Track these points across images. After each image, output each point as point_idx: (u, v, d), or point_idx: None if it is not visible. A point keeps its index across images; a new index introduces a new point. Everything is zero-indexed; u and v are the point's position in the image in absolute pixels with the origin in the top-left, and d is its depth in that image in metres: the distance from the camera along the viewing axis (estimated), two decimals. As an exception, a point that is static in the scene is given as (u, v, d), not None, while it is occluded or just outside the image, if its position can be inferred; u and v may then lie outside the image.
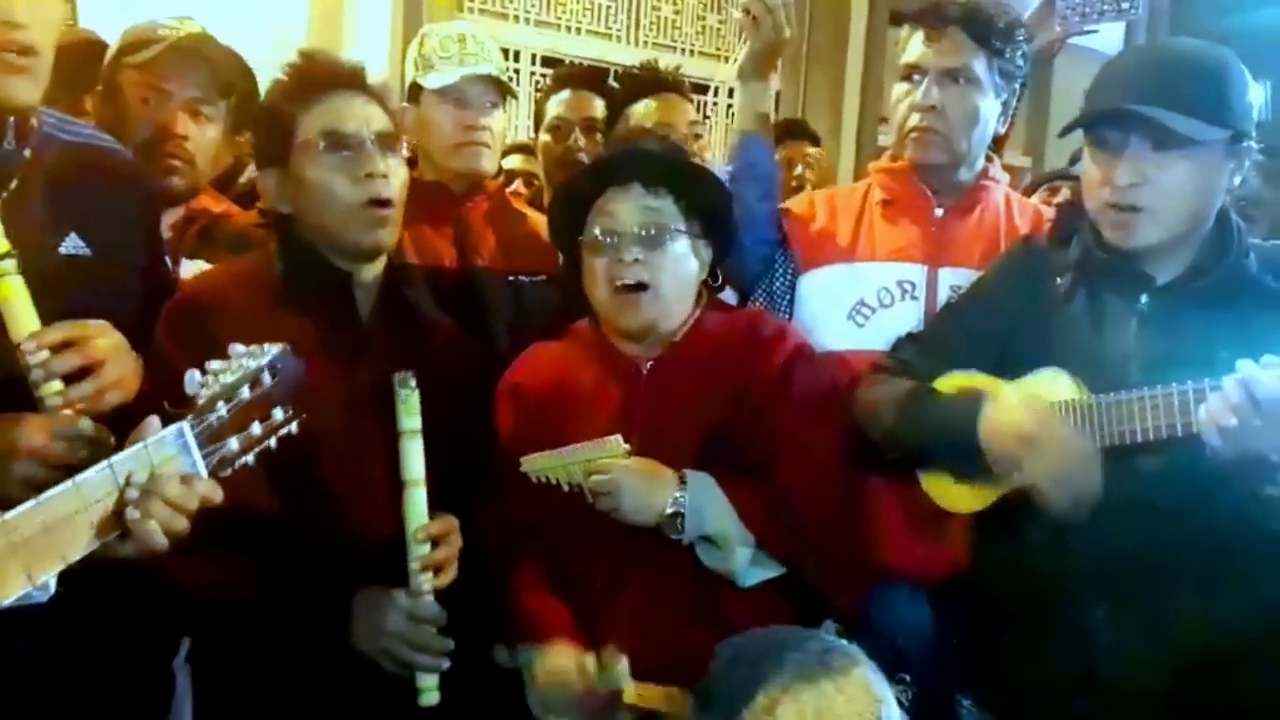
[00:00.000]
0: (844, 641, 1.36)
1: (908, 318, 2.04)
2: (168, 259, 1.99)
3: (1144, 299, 1.67)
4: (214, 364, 1.31)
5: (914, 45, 2.08)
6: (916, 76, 2.06)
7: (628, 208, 1.76)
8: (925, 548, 1.93)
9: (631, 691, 1.61)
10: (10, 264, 1.39)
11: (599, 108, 2.78)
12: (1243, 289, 1.64)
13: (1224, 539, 1.57)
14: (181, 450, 1.28)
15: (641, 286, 1.75)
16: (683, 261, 1.79)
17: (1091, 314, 1.70)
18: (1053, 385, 1.65)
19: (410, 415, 1.59)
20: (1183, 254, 1.67)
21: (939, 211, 2.11)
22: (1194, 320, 1.61)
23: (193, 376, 1.30)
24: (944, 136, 2.05)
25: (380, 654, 1.60)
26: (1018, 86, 2.12)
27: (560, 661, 1.67)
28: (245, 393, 1.31)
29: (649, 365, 1.81)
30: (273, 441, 1.35)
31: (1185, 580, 1.59)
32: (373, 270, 1.76)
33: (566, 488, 1.73)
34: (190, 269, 2.11)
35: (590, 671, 1.64)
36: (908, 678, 1.43)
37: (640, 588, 1.71)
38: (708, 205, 1.83)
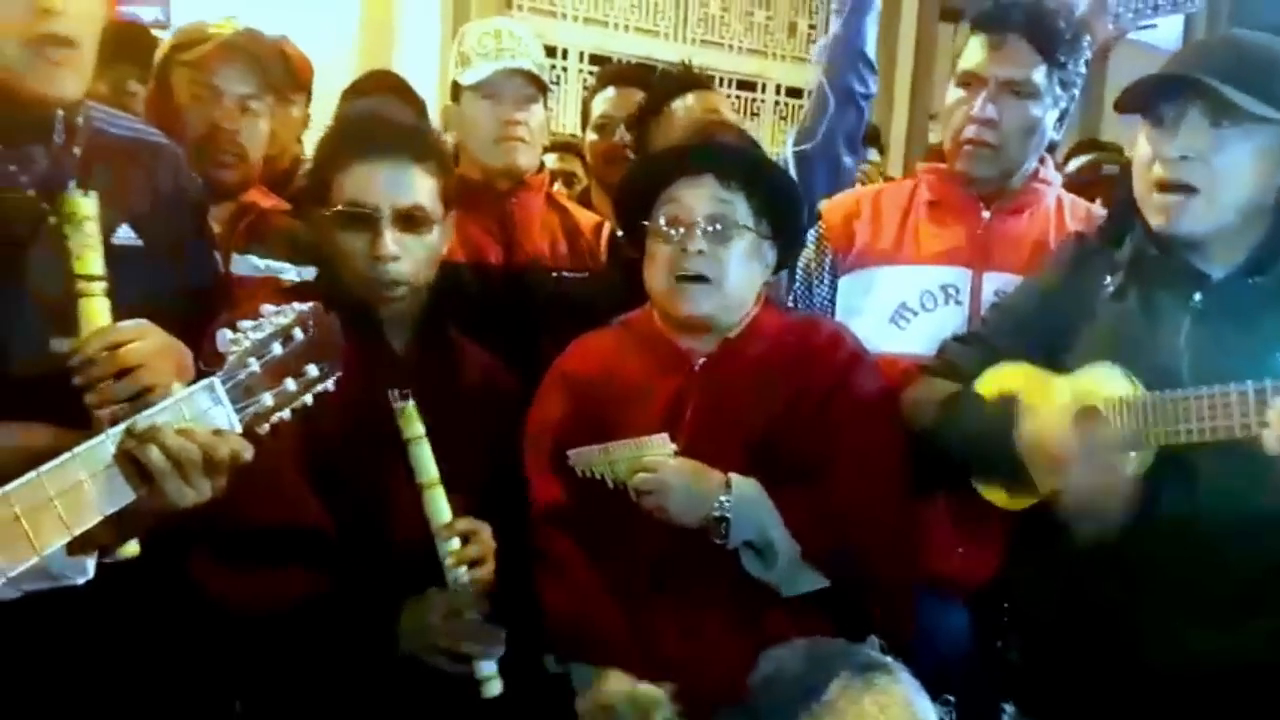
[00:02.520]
0: (889, 659, 1.34)
1: (949, 322, 2.01)
2: (217, 253, 2.02)
3: (1197, 296, 1.63)
4: (244, 322, 1.31)
5: (973, 51, 2.01)
6: (974, 84, 2.00)
7: (699, 198, 1.73)
8: (967, 554, 1.91)
9: None
10: (99, 286, 1.41)
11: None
12: None
13: (1277, 548, 1.53)
14: (214, 404, 1.27)
15: (702, 279, 1.72)
16: (747, 260, 1.76)
17: (1143, 312, 1.66)
18: (1106, 381, 1.61)
19: (411, 424, 1.61)
20: (1237, 249, 1.63)
21: (986, 214, 2.06)
22: (1249, 318, 1.57)
23: (223, 334, 1.30)
24: (998, 150, 2.00)
25: (430, 651, 1.61)
26: (1075, 94, 2.07)
27: (612, 690, 1.66)
28: (277, 348, 1.31)
29: (702, 361, 1.78)
30: (308, 398, 1.34)
31: (1235, 587, 1.56)
32: (406, 302, 1.77)
33: (611, 485, 1.72)
34: (241, 264, 2.14)
35: (641, 705, 1.62)
36: (952, 699, 1.41)
37: (681, 591, 1.69)
38: (779, 207, 1.80)
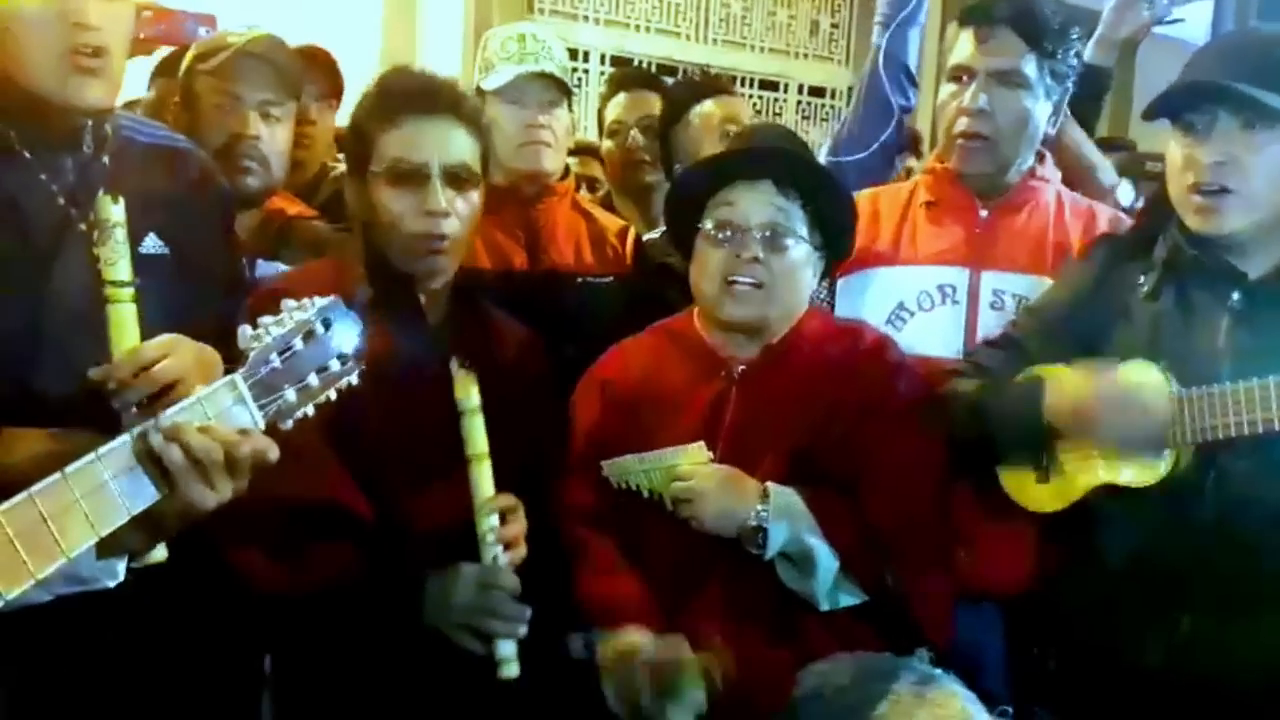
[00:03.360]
0: (940, 671, 1.32)
1: (948, 322, 2.01)
2: (244, 260, 2.03)
3: (1236, 295, 1.62)
4: (265, 318, 1.29)
5: (962, 45, 2.02)
6: (965, 78, 2.01)
7: (756, 203, 1.71)
8: (999, 560, 1.89)
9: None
10: (128, 292, 1.41)
11: (656, 106, 2.79)
12: None
13: None
14: (236, 402, 1.25)
15: (756, 285, 1.71)
16: (799, 268, 1.74)
17: (1180, 312, 1.66)
18: (1142, 378, 1.60)
19: (468, 394, 1.60)
20: (1275, 247, 1.63)
21: (984, 213, 2.06)
22: None
23: (244, 331, 1.28)
24: (991, 142, 2.00)
25: (454, 627, 1.60)
26: (1069, 86, 2.07)
27: (629, 643, 1.63)
28: (298, 344, 1.29)
29: (742, 368, 1.76)
30: (332, 393, 1.32)
31: (1272, 586, 1.55)
32: (446, 271, 1.76)
33: (647, 494, 1.71)
34: (266, 270, 2.14)
35: (657, 655, 1.60)
36: (1010, 710, 1.39)
37: (717, 600, 1.67)
38: (833, 217, 1.78)
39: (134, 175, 1.62)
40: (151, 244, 1.64)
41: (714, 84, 2.69)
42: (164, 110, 2.32)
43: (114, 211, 1.40)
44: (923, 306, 2.03)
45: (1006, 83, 1.98)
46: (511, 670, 1.60)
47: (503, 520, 1.63)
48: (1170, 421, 1.54)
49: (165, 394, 1.35)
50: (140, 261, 1.53)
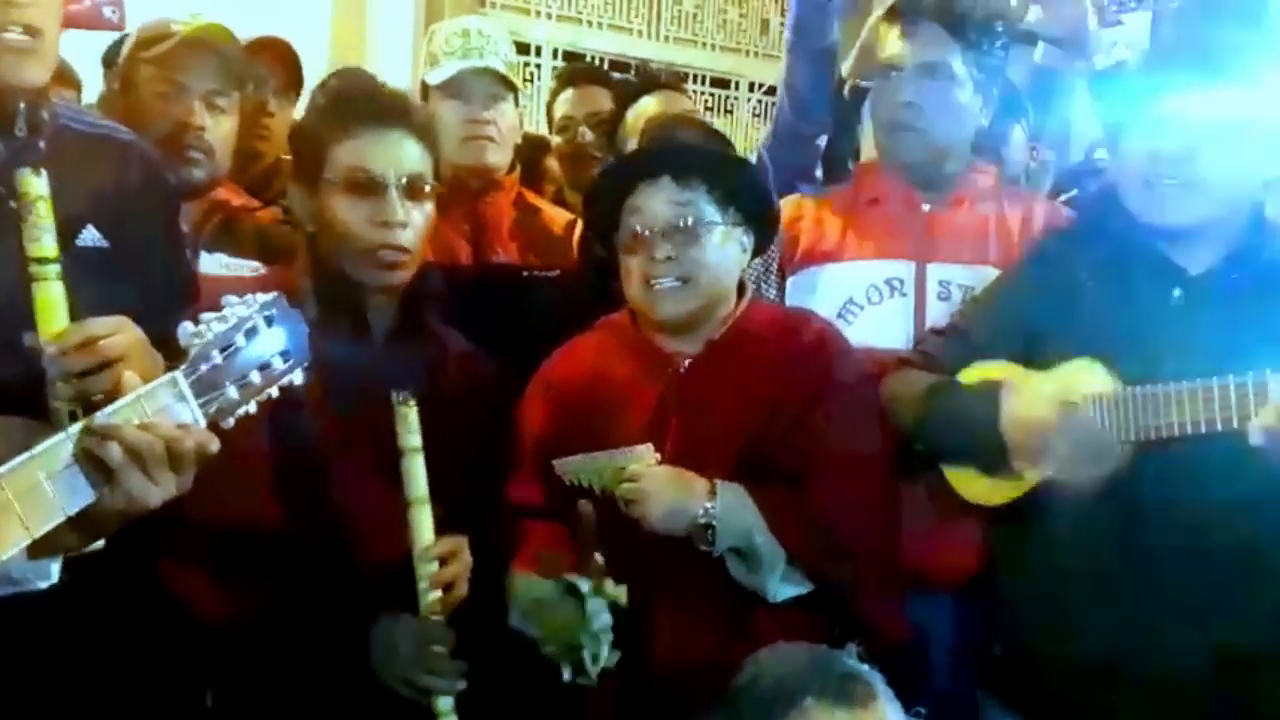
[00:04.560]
0: (866, 668, 1.34)
1: (896, 315, 2.03)
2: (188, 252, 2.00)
3: (1177, 292, 1.65)
4: (206, 314, 1.26)
5: (890, 42, 2.05)
6: (894, 74, 2.04)
7: (658, 203, 1.73)
8: (949, 549, 1.91)
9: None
10: (53, 269, 1.37)
11: (605, 102, 2.80)
12: (1276, 283, 1.61)
13: (1257, 538, 1.55)
14: (177, 400, 1.22)
15: (676, 281, 1.72)
16: (720, 253, 1.74)
17: (1122, 306, 1.68)
18: (1086, 376, 1.62)
19: (410, 433, 1.55)
20: (1216, 245, 1.66)
21: (926, 207, 2.09)
22: (1227, 314, 1.60)
23: (185, 327, 1.25)
24: (923, 132, 2.03)
25: (395, 680, 1.57)
26: (1001, 80, 2.10)
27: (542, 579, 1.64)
28: (240, 340, 1.26)
29: (687, 363, 1.77)
30: (274, 390, 1.30)
31: (1214, 577, 1.58)
32: (399, 283, 1.73)
33: (598, 493, 1.71)
34: (209, 262, 2.12)
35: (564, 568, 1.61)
36: (924, 711, 1.41)
37: (670, 598, 1.68)
38: (744, 190, 1.78)
39: (72, 164, 1.57)
40: (90, 236, 1.60)
41: (658, 81, 2.70)
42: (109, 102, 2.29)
43: (35, 185, 1.36)
44: (871, 300, 2.05)
45: (934, 75, 2.01)
46: None
47: (445, 562, 1.58)
48: (1119, 462, 1.56)
49: (110, 371, 1.32)
50: (78, 255, 1.51)
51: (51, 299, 1.37)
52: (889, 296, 2.05)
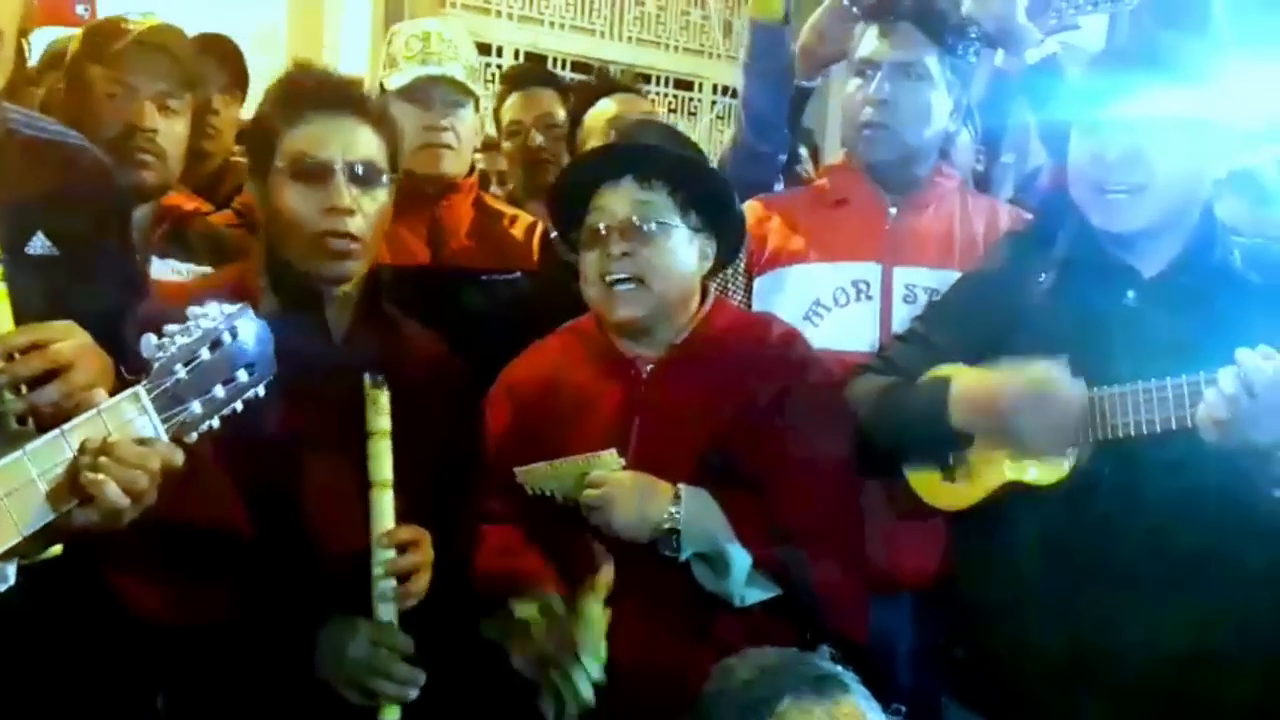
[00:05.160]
0: (839, 668, 1.33)
1: (863, 317, 2.05)
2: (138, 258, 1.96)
3: (1130, 294, 1.66)
4: (170, 326, 1.25)
5: (867, 40, 2.07)
6: (869, 71, 2.05)
7: (619, 201, 1.72)
8: (907, 551, 1.92)
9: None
10: None
11: (554, 103, 2.78)
12: (1227, 284, 1.64)
13: (1214, 536, 1.57)
14: (139, 414, 1.21)
15: (631, 280, 1.70)
16: (677, 255, 1.73)
17: (1078, 309, 1.69)
18: (1047, 378, 1.63)
19: (380, 415, 1.54)
20: (1168, 247, 1.67)
21: (893, 210, 2.10)
22: (1181, 315, 1.62)
23: (148, 340, 1.23)
24: (894, 132, 2.04)
25: (343, 683, 1.53)
26: (970, 86, 2.12)
27: (538, 601, 1.63)
28: (205, 354, 1.25)
29: (650, 368, 1.76)
30: (238, 404, 1.29)
31: (1173, 576, 1.59)
32: (353, 277, 1.69)
33: (560, 500, 1.70)
34: (160, 268, 2.08)
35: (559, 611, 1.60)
36: (903, 709, 1.41)
37: (635, 605, 1.65)
38: (708, 197, 1.77)
39: (19, 171, 1.55)
40: (40, 244, 1.56)
41: (616, 83, 2.70)
42: (53, 104, 2.23)
43: None
44: (838, 302, 2.06)
45: (908, 75, 2.02)
46: None
47: (403, 551, 1.55)
48: (1082, 419, 1.57)
49: (61, 378, 1.29)
50: (28, 263, 1.48)
51: None
52: (855, 299, 2.06)
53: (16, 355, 1.29)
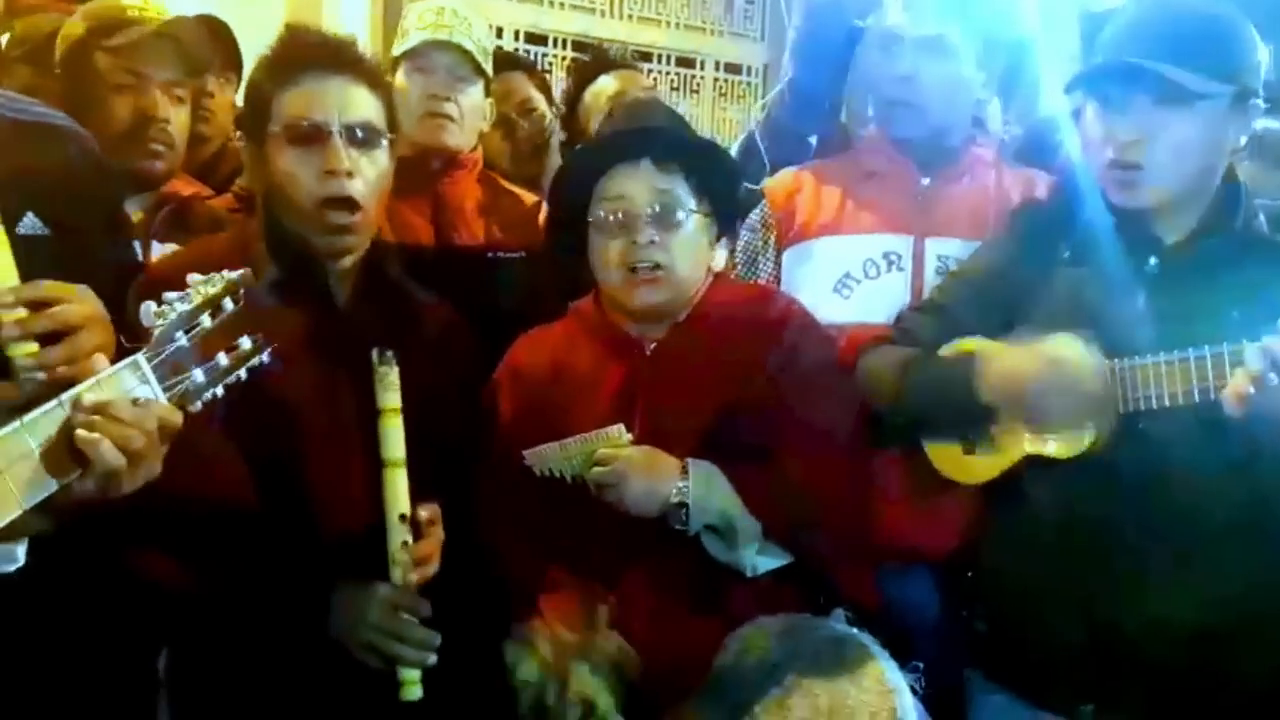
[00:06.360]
0: (856, 630, 1.32)
1: (894, 289, 2.02)
2: (138, 243, 1.95)
3: (1153, 261, 1.65)
4: (170, 294, 1.21)
5: (892, 14, 2.03)
6: (894, 46, 2.01)
7: (639, 187, 1.71)
8: (930, 524, 1.90)
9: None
10: None
11: (528, 86, 2.77)
12: (1253, 249, 1.63)
13: (1237, 510, 1.56)
14: (139, 383, 1.18)
15: (655, 268, 1.70)
16: (695, 241, 1.74)
17: (1100, 279, 1.68)
18: (1069, 352, 1.61)
19: (389, 392, 1.52)
20: (1191, 214, 1.66)
21: (925, 181, 2.07)
22: (1204, 281, 1.59)
23: (148, 308, 1.20)
24: (921, 109, 2.01)
25: (361, 647, 1.53)
26: (1003, 55, 2.07)
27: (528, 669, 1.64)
28: (206, 321, 1.22)
29: (653, 346, 1.76)
30: (243, 372, 1.26)
31: (1194, 550, 1.58)
32: (355, 244, 1.66)
33: (570, 480, 1.69)
34: (162, 253, 2.05)
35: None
36: (921, 665, 1.40)
37: (646, 579, 1.67)
38: (717, 183, 1.77)
39: (8, 151, 1.52)
40: (30, 224, 1.53)
41: (613, 61, 2.68)
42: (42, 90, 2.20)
43: None
44: (869, 274, 2.04)
45: (933, 50, 1.98)
46: (414, 693, 1.54)
47: (418, 533, 1.54)
48: (1104, 395, 1.55)
49: (69, 340, 1.25)
50: (19, 242, 1.44)
51: None
52: (886, 271, 2.03)
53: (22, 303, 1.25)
